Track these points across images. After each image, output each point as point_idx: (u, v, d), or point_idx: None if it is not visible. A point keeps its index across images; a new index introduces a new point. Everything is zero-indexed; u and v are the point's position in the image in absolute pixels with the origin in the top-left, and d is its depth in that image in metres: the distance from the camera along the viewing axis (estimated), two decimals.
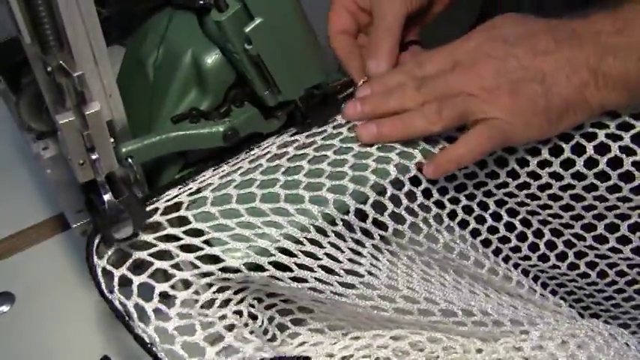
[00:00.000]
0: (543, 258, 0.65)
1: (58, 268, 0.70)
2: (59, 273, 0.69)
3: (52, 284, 0.68)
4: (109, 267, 0.50)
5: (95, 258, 0.50)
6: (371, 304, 0.53)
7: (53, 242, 0.72)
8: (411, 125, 0.56)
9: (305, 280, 0.51)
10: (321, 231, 0.53)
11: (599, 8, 0.55)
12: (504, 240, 0.64)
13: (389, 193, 0.55)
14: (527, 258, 0.65)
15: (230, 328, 0.52)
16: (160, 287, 0.50)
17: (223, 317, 0.52)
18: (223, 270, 0.50)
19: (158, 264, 0.50)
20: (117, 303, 0.49)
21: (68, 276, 0.68)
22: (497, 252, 0.64)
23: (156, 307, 0.49)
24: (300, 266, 0.51)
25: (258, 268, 0.50)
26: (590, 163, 0.59)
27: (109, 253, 0.51)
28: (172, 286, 0.50)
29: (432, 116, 0.55)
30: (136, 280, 0.49)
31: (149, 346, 0.48)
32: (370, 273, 0.54)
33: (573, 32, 0.54)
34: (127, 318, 0.49)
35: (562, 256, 0.64)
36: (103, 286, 0.49)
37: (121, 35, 0.80)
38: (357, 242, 0.55)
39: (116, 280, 0.49)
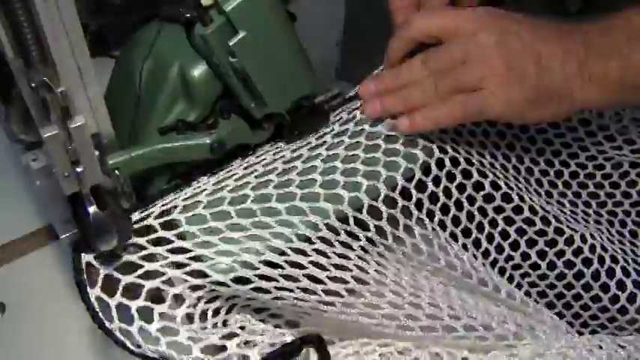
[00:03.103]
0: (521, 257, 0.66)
1: (49, 278, 0.70)
2: (50, 282, 0.69)
3: (43, 294, 0.69)
4: (102, 295, 0.49)
5: (85, 277, 0.50)
6: (357, 311, 0.54)
7: (44, 252, 0.73)
8: (411, 100, 0.58)
9: (291, 290, 0.52)
10: (306, 239, 0.53)
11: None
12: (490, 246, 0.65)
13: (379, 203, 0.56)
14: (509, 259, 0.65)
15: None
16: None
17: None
18: (211, 282, 0.51)
19: (148, 284, 0.50)
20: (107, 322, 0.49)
21: (59, 285, 0.69)
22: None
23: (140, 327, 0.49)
24: (286, 277, 0.52)
25: (246, 280, 0.51)
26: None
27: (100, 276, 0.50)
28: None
29: (429, 91, 0.57)
30: (133, 305, 0.49)
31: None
32: (357, 279, 0.54)
33: (568, 30, 0.56)
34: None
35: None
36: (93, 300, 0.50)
37: (115, 46, 0.81)
38: (344, 245, 0.56)
39: (113, 307, 0.49)
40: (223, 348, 0.50)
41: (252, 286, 0.51)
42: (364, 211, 0.55)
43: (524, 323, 0.59)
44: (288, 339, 0.51)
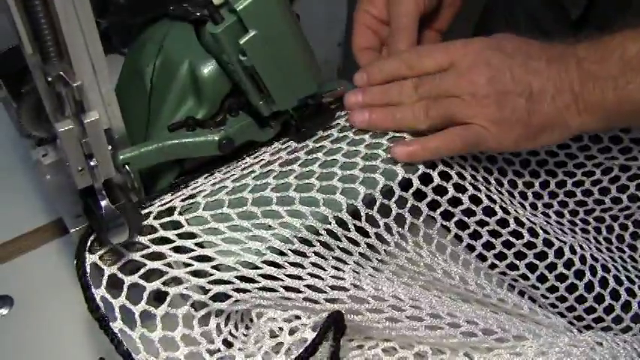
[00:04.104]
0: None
1: (56, 272, 0.71)
2: (57, 276, 0.70)
3: (50, 288, 0.69)
4: (102, 266, 0.51)
5: (87, 258, 0.51)
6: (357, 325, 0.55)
7: (51, 246, 0.73)
8: (400, 120, 0.60)
9: (299, 278, 0.53)
10: (312, 231, 0.54)
11: (585, 35, 0.57)
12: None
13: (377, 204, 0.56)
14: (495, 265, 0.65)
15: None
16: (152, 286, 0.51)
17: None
18: (216, 268, 0.51)
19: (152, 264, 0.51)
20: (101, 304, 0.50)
21: (66, 279, 0.69)
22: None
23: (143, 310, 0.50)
24: (292, 264, 0.53)
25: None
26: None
27: (103, 254, 0.51)
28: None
29: (420, 115, 0.59)
30: (127, 280, 0.51)
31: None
32: (354, 298, 0.55)
33: (561, 56, 0.56)
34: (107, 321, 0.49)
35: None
36: (91, 282, 0.51)
37: (120, 45, 0.81)
38: (344, 250, 0.56)
39: (105, 277, 0.50)
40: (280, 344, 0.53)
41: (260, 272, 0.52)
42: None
43: (522, 326, 0.60)
44: (323, 315, 0.53)
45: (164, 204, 0.55)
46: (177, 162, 0.59)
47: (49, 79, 0.44)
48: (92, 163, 0.48)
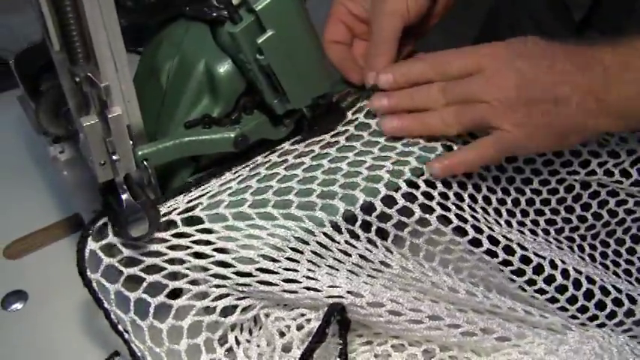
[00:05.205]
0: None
1: (70, 267, 0.70)
2: (71, 272, 0.70)
3: (64, 283, 0.69)
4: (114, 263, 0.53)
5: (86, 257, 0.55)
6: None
7: (65, 242, 0.74)
8: (430, 125, 0.61)
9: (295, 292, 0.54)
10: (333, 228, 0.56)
11: (603, 38, 0.59)
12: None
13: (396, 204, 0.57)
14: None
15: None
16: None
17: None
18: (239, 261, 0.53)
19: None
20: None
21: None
22: None
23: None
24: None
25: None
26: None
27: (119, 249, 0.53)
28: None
29: (450, 120, 0.59)
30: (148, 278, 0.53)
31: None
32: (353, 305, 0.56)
33: (587, 61, 0.57)
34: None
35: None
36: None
37: (132, 45, 0.82)
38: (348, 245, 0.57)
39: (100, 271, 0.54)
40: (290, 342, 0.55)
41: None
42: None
43: (516, 327, 0.60)
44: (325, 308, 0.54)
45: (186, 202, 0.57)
46: (192, 159, 0.60)
47: (77, 79, 0.45)
48: (114, 158, 0.49)
